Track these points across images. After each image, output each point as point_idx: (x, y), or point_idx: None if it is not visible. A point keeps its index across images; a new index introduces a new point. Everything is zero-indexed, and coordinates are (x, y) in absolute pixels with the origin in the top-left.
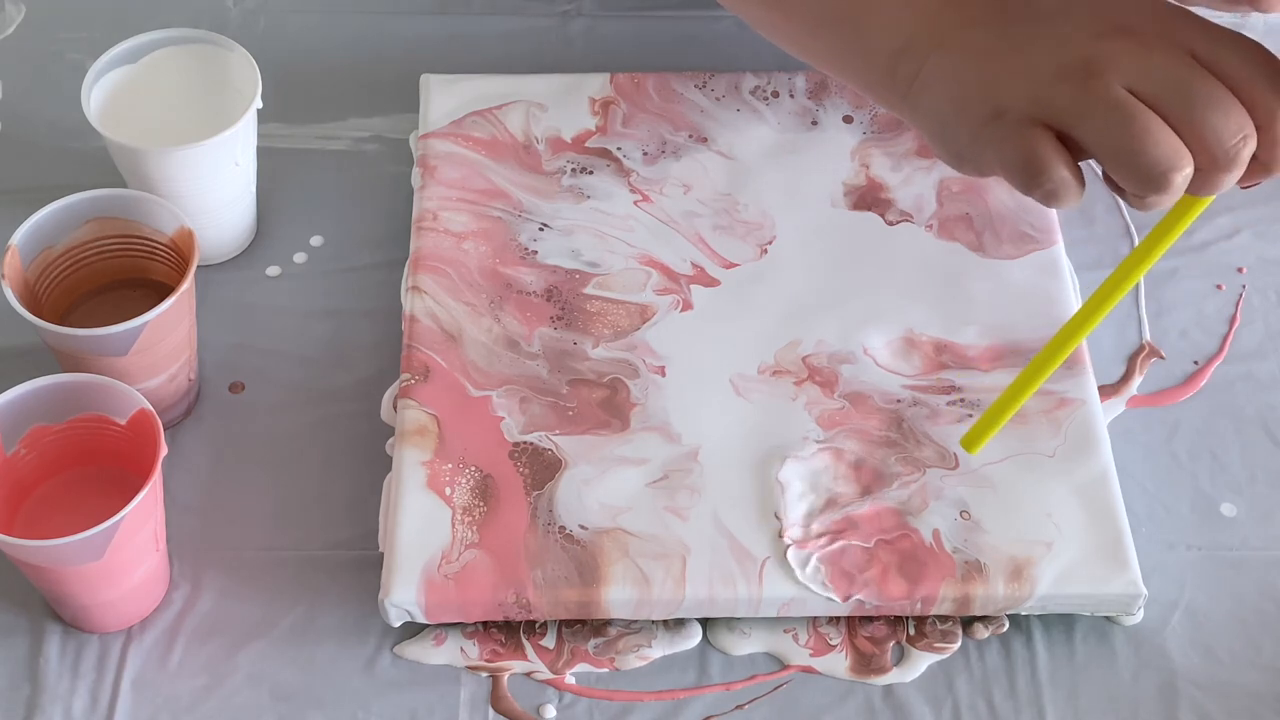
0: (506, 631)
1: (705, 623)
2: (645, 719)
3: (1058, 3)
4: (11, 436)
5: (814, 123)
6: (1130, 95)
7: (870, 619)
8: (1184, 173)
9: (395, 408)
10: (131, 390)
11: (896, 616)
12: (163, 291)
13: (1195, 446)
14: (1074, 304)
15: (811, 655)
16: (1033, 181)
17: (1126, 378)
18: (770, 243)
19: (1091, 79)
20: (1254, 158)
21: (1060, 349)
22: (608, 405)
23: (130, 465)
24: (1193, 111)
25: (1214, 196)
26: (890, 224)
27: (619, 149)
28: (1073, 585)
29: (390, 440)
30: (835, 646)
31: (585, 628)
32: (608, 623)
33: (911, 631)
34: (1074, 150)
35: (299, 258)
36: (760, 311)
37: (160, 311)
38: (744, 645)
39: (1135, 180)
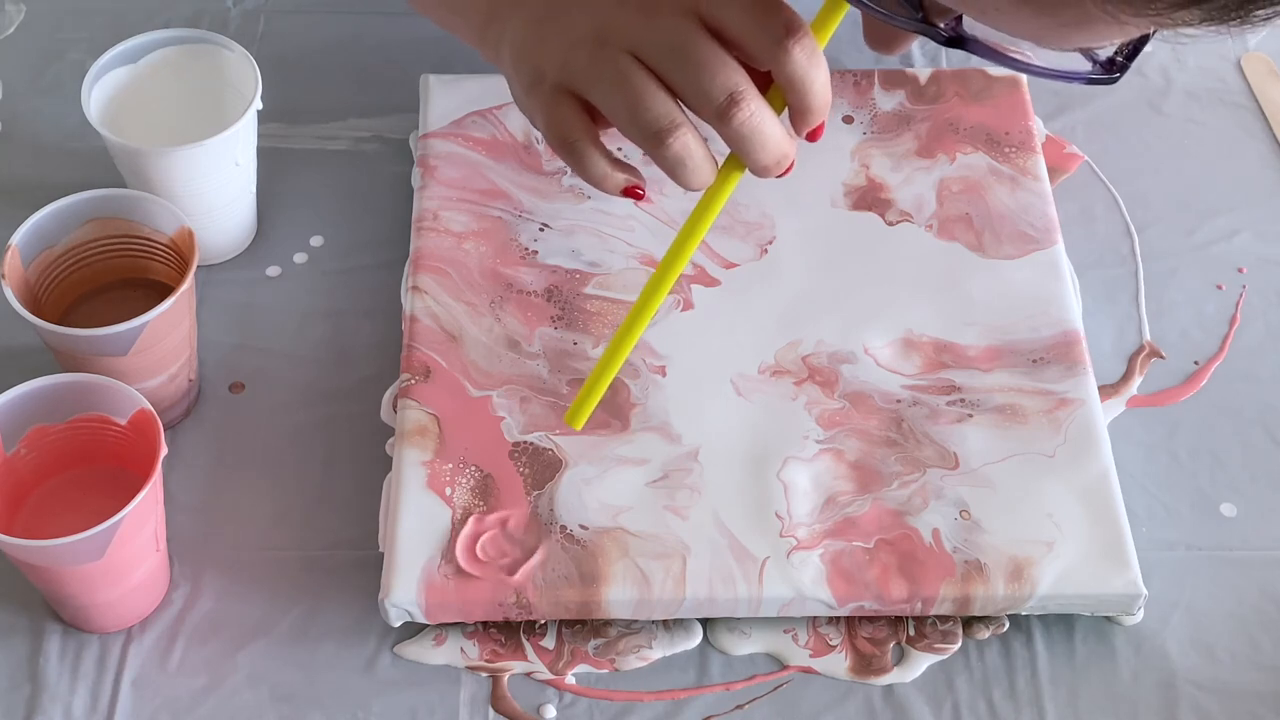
0: (506, 632)
1: (705, 623)
2: (645, 719)
3: None
4: (12, 436)
5: None
6: (633, 61)
7: (870, 619)
8: (678, 133)
9: (395, 408)
10: (131, 390)
11: (897, 617)
12: (163, 291)
13: (1195, 446)
14: (1074, 303)
15: (811, 656)
16: (559, 147)
17: (1126, 378)
18: (770, 243)
19: (602, 47)
20: (790, 106)
21: (635, 322)
22: (608, 405)
23: (130, 465)
24: (681, 75)
25: (743, 167)
26: (890, 224)
27: (619, 149)
28: (1073, 585)
29: (390, 440)
30: (835, 647)
31: (585, 628)
32: (608, 623)
33: (911, 632)
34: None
35: (299, 258)
36: (760, 311)
37: (160, 311)
38: (744, 645)
39: (638, 140)
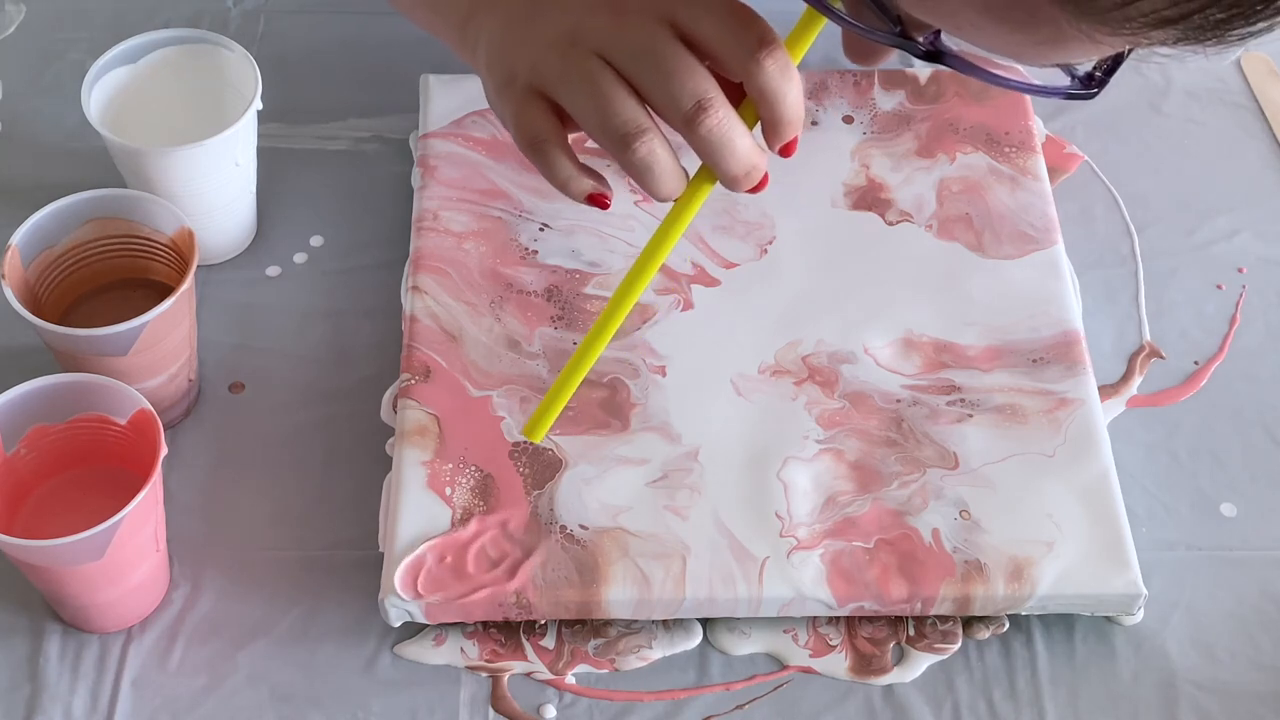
0: (506, 632)
1: (705, 623)
2: (645, 719)
3: None
4: (12, 436)
5: (814, 123)
6: (602, 64)
7: (870, 619)
8: (644, 138)
9: (395, 408)
10: (131, 390)
11: (897, 617)
12: (163, 291)
13: (1195, 446)
14: (1074, 303)
15: (811, 656)
16: (526, 148)
17: (1126, 378)
18: (770, 243)
19: (573, 48)
20: (762, 119)
21: (598, 336)
22: (608, 405)
23: (130, 465)
24: (650, 80)
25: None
26: (890, 224)
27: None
28: (1073, 585)
29: (390, 440)
30: (835, 647)
31: (585, 628)
32: (608, 623)
33: (911, 632)
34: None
35: (299, 258)
36: (760, 311)
37: (160, 311)
38: (744, 645)
39: (605, 144)
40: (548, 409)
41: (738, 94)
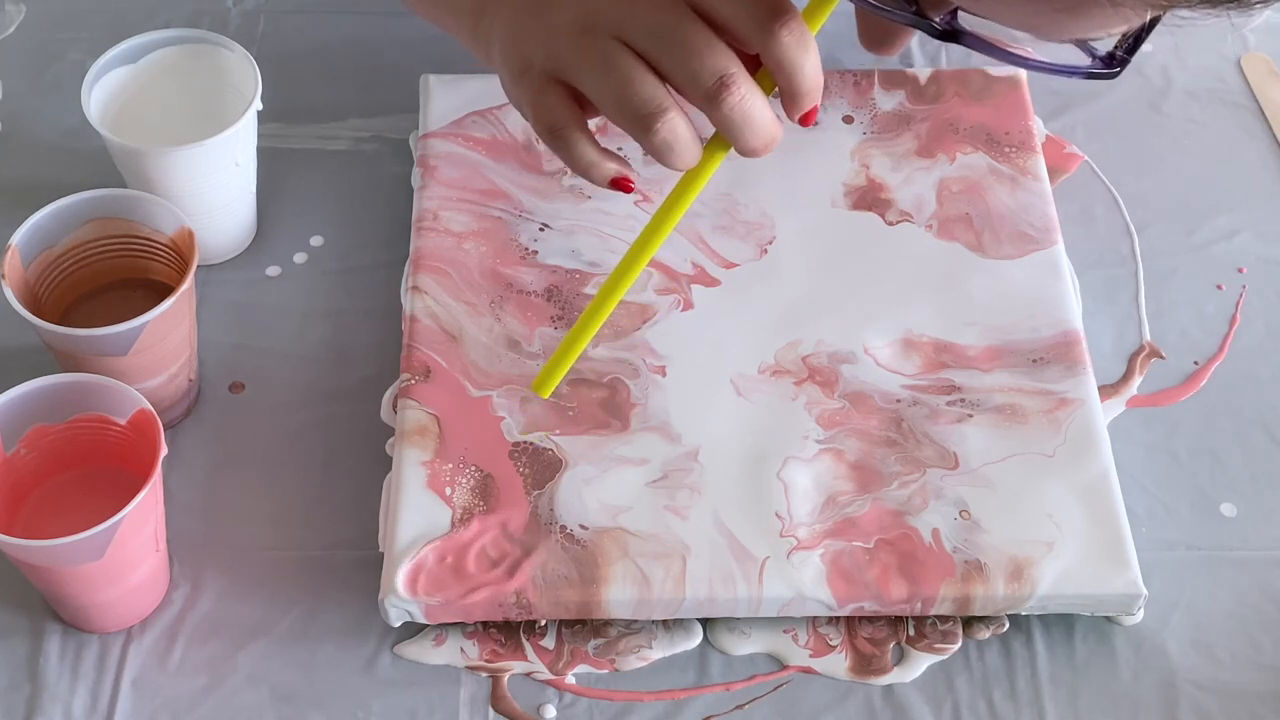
0: (506, 632)
1: (705, 623)
2: (645, 719)
3: None
4: (11, 436)
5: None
6: (619, 45)
7: (870, 619)
8: (665, 117)
9: (395, 408)
10: (131, 390)
11: (897, 617)
12: (163, 291)
13: (1195, 446)
14: (1074, 303)
15: (811, 656)
16: (546, 135)
17: (1126, 378)
18: (770, 243)
19: (587, 32)
20: (781, 90)
21: (608, 297)
22: (608, 405)
23: (130, 465)
24: (669, 58)
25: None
26: (890, 224)
27: (620, 149)
28: (1073, 585)
29: (390, 440)
30: (835, 647)
31: (585, 628)
32: (608, 623)
33: (911, 632)
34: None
35: (299, 258)
36: (760, 311)
37: (160, 311)
38: (744, 645)
39: (626, 125)
40: (559, 363)
41: (755, 63)
